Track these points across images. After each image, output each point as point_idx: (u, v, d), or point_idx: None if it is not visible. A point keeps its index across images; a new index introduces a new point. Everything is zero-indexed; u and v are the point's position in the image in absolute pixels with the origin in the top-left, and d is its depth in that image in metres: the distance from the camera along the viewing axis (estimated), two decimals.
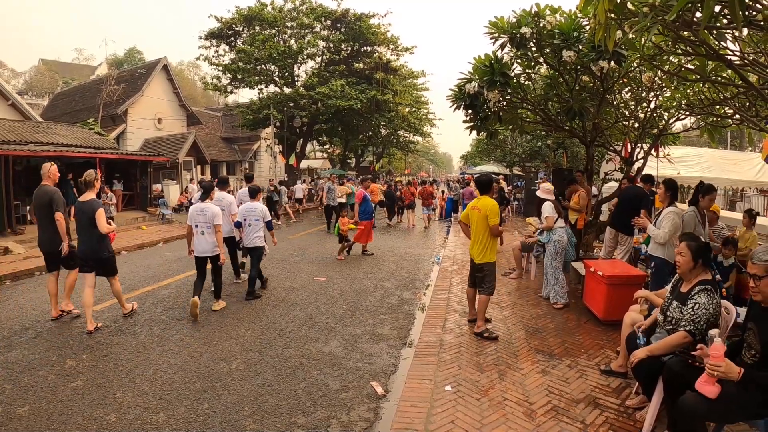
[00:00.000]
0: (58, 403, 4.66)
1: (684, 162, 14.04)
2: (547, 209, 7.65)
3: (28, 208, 16.50)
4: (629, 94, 9.98)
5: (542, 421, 4.14)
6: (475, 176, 9.65)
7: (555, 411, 4.32)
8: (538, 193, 8.01)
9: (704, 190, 6.18)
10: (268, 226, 8.69)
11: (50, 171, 7.42)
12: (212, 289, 7.88)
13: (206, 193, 7.81)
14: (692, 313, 3.73)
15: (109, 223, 6.92)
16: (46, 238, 7.27)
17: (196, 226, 7.49)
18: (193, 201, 19.28)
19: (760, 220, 8.98)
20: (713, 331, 3.20)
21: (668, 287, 4.36)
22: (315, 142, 43.04)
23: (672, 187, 6.38)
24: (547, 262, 7.58)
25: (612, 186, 12.64)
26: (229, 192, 9.49)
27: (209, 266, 7.60)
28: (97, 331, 6.64)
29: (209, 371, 5.36)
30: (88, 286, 6.85)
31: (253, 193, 8.92)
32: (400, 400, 4.57)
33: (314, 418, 4.39)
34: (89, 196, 6.95)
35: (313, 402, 4.69)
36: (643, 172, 9.51)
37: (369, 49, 30.77)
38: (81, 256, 7.02)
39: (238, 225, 8.63)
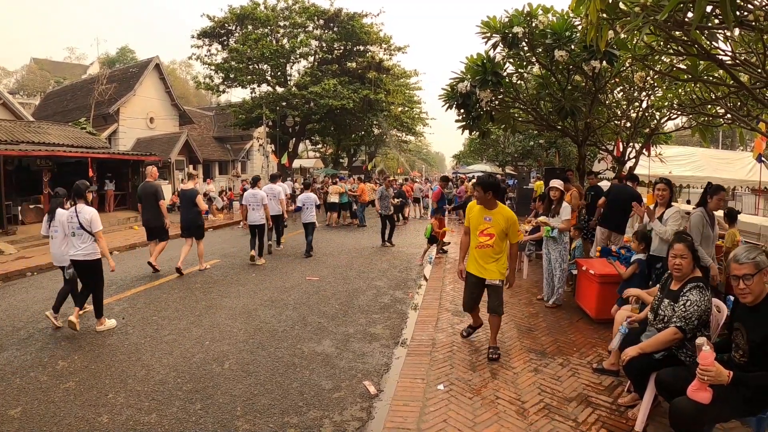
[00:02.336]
0: (50, 404, 4.63)
1: (676, 161, 14.15)
2: (568, 210, 7.33)
3: (19, 208, 16.43)
4: (621, 93, 10.05)
5: (534, 420, 4.15)
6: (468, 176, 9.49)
7: (547, 409, 4.34)
8: (558, 187, 7.82)
9: (712, 190, 6.00)
10: (317, 207, 13.01)
11: (152, 172, 10.55)
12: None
13: (254, 183, 11.74)
14: (684, 310, 3.75)
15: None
16: (150, 217, 10.33)
17: (249, 204, 11.41)
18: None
19: (751, 219, 9.05)
20: (700, 340, 3.21)
21: (658, 285, 4.39)
22: (307, 141, 42.98)
23: (672, 187, 6.35)
24: (556, 264, 7.38)
25: (604, 185, 12.71)
26: (279, 184, 13.38)
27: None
28: (201, 272, 10.39)
29: (202, 372, 5.35)
30: (186, 245, 10.42)
31: (307, 186, 13.77)
32: (392, 400, 4.57)
33: (307, 418, 4.38)
34: (190, 185, 10.69)
35: (306, 402, 4.69)
36: (635, 172, 9.56)
37: (362, 48, 30.74)
38: (182, 225, 10.57)
39: (299, 209, 12.79)
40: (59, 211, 6.84)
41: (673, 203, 6.32)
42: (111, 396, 4.79)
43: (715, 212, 6.05)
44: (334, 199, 19.53)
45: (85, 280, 6.80)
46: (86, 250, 6.60)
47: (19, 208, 16.47)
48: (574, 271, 7.74)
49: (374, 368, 5.52)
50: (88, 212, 6.60)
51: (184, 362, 5.60)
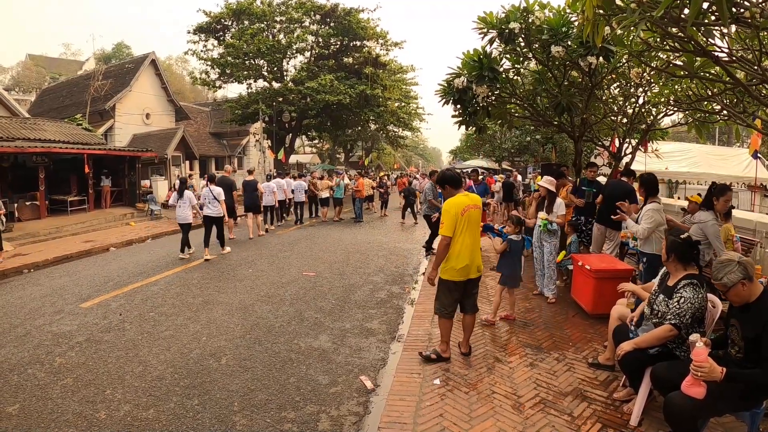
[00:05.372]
0: (48, 401, 4.65)
1: (672, 157, 14.16)
2: (562, 206, 7.53)
3: (15, 205, 16.37)
4: (617, 89, 10.04)
5: (530, 414, 4.18)
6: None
7: (543, 404, 4.37)
8: (547, 186, 7.82)
9: (718, 191, 5.87)
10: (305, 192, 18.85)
11: (228, 168, 15.06)
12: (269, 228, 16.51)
13: (269, 178, 19.14)
14: (678, 306, 3.77)
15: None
16: (227, 203, 12.72)
17: (265, 192, 15.84)
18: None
19: (747, 215, 9.06)
20: (694, 337, 3.25)
21: (656, 280, 4.41)
22: (304, 137, 42.88)
23: (645, 183, 6.26)
24: (551, 257, 7.50)
25: (600, 181, 12.72)
26: (283, 179, 18.51)
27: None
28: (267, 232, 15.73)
29: (199, 367, 5.36)
30: (249, 218, 14.94)
31: (300, 176, 20.35)
32: (389, 394, 4.60)
33: (304, 413, 4.41)
34: (251, 177, 15.08)
35: (303, 397, 4.71)
36: (631, 167, 9.55)
37: (358, 43, 30.66)
38: (246, 204, 14.85)
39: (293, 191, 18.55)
40: (186, 191, 11.52)
41: (651, 200, 6.22)
42: (109, 392, 4.81)
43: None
44: (324, 194, 19.67)
45: (214, 227, 11.79)
46: (216, 211, 11.66)
47: (15, 205, 16.40)
48: (570, 267, 7.78)
49: (371, 363, 5.54)
50: (217, 189, 11.72)
51: (182, 358, 5.62)
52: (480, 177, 15.19)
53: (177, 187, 11.91)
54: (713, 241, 5.75)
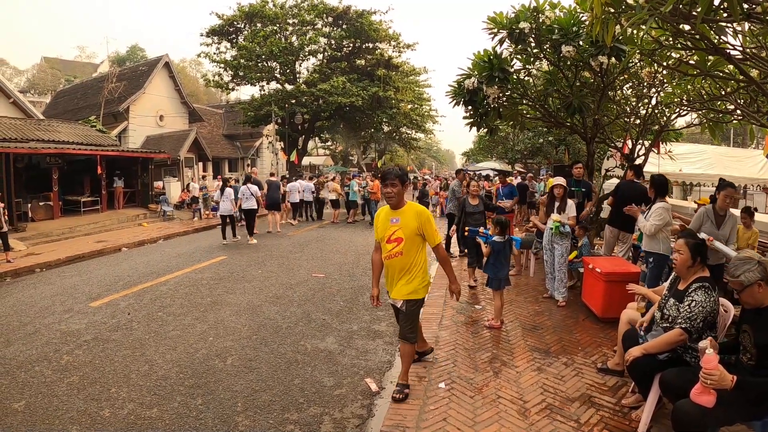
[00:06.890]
0: (54, 398, 4.66)
1: (686, 159, 13.98)
2: (574, 207, 7.45)
3: (29, 205, 16.54)
4: (630, 90, 9.94)
5: (535, 420, 4.11)
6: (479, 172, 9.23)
7: (549, 409, 4.29)
8: (563, 184, 7.74)
9: (718, 186, 5.88)
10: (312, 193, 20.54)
11: (254, 171, 20.91)
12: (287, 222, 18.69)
13: (290, 180, 20.13)
14: (689, 310, 3.68)
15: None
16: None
17: (290, 191, 18.58)
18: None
19: (763, 218, 8.91)
20: (703, 343, 3.15)
21: (666, 284, 4.32)
22: (317, 138, 42.95)
23: (656, 184, 6.31)
24: (562, 260, 7.40)
25: (613, 182, 12.59)
26: (295, 180, 20.40)
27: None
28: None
29: (204, 367, 5.35)
30: (270, 215, 16.47)
31: (311, 178, 21.91)
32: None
33: (307, 415, 4.37)
34: (274, 179, 17.26)
35: (307, 398, 4.68)
36: (644, 169, 9.42)
37: (371, 45, 30.65)
38: (268, 202, 16.25)
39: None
40: (227, 189, 13.91)
41: (660, 200, 6.18)
42: (114, 390, 4.81)
43: (730, 210, 5.89)
44: (331, 196, 19.97)
45: (249, 217, 14.26)
46: (252, 205, 14.10)
47: (29, 205, 16.58)
48: (581, 269, 7.69)
49: (377, 366, 5.50)
50: (253, 188, 14.20)
51: (188, 358, 5.61)
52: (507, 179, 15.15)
53: (219, 186, 15.28)
54: (691, 226, 5.75)
